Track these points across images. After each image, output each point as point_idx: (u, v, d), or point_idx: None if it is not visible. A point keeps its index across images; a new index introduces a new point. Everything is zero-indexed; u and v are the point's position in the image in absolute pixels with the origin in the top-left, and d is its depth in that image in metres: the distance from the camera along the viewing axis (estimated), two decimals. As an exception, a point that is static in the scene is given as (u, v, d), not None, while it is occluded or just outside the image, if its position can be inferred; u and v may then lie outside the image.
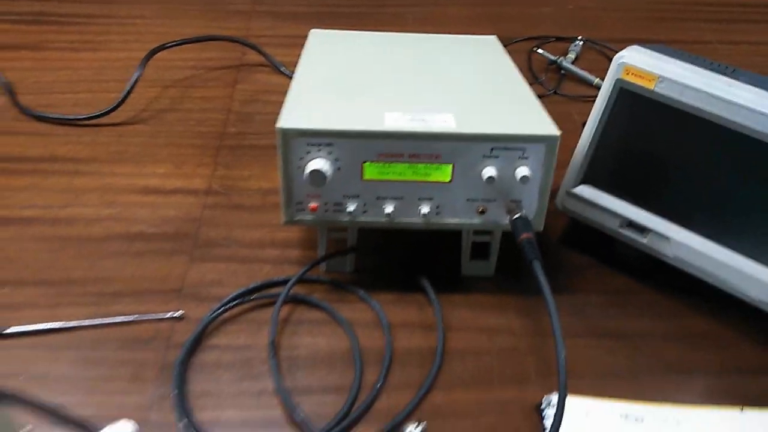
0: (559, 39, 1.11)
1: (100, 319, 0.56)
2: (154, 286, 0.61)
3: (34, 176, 0.72)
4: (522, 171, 0.54)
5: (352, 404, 0.51)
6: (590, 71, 0.98)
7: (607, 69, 0.67)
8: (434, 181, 0.55)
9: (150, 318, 0.57)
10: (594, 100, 0.71)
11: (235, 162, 0.76)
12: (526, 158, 0.54)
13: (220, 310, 0.58)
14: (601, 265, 0.65)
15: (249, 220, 0.69)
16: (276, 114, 0.84)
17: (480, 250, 0.63)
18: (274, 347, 0.55)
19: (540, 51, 1.03)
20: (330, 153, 0.53)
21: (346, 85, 0.60)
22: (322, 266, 0.63)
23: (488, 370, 0.55)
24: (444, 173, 0.55)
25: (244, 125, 0.83)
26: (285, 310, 0.59)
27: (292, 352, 0.55)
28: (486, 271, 0.63)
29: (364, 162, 0.53)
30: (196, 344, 0.55)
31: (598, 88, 0.95)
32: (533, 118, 0.55)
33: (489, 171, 0.54)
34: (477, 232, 0.61)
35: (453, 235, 0.66)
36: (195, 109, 0.85)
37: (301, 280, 0.61)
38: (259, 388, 0.52)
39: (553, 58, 1.01)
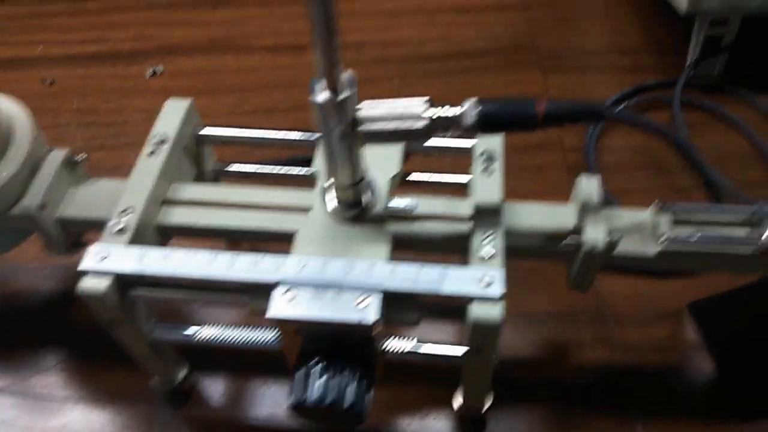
0: None
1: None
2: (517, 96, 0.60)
3: (339, 2, 0.70)
4: None
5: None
6: None
7: None
8: None
9: (535, 125, 0.56)
10: None
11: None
12: None
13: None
14: None
15: (581, 30, 0.65)
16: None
17: None
18: (689, 145, 0.52)
19: None
20: None
21: None
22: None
23: None
24: None
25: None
26: (665, 112, 0.56)
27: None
28: None
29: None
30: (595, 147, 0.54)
31: None
32: None
33: None
34: None
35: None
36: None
37: (670, 84, 0.57)
38: (674, 184, 0.51)
39: None
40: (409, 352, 0.34)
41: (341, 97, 0.27)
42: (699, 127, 0.56)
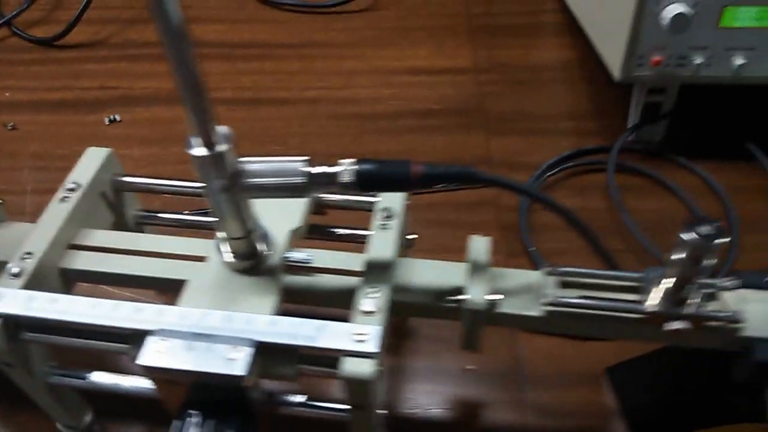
0: None
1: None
2: (462, 156, 0.61)
3: (301, 60, 0.72)
4: None
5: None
6: None
7: None
8: (797, 27, 0.51)
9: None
10: None
11: (491, 41, 0.74)
12: None
13: (542, 176, 0.57)
14: None
15: (530, 95, 0.67)
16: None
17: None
18: (622, 207, 0.53)
19: None
20: (692, -4, 0.50)
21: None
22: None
23: None
24: (811, 16, 0.50)
25: (487, 6, 0.79)
26: (603, 175, 0.57)
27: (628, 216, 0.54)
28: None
29: (726, 6, 0.50)
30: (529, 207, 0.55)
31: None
32: None
33: None
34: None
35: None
36: (431, -7, 0.83)
37: (609, 149, 0.58)
38: (606, 246, 0.51)
39: None
40: (297, 407, 0.34)
41: (216, 151, 0.28)
42: (638, 191, 0.57)
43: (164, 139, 0.64)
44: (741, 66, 0.53)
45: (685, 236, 0.28)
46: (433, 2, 0.80)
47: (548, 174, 0.58)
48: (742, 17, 0.51)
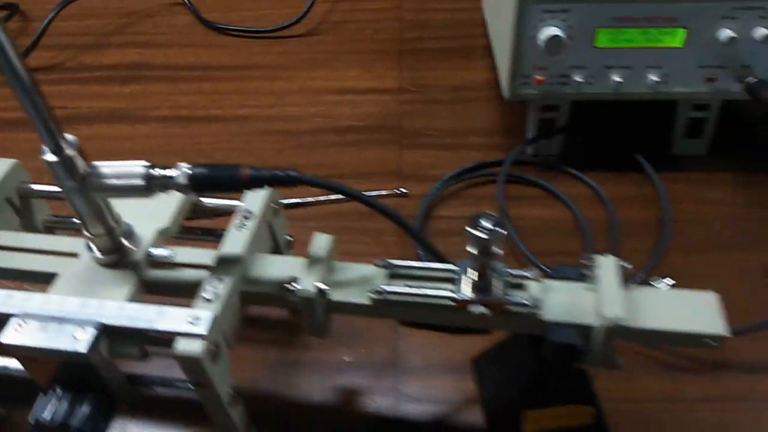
0: None
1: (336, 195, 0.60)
2: (374, 169, 0.65)
3: (237, 81, 0.77)
4: (762, 32, 0.53)
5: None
6: None
7: None
8: (665, 47, 0.55)
9: (379, 194, 0.61)
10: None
11: (419, 64, 0.79)
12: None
13: (442, 187, 0.62)
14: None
15: (446, 113, 0.71)
16: (450, 19, 0.85)
17: (692, 128, 0.63)
18: (505, 214, 0.58)
19: None
20: (564, 20, 0.54)
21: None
22: (528, 149, 0.64)
23: (718, 236, 0.56)
24: (677, 38, 0.54)
25: (421, 31, 0.85)
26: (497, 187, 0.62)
27: (517, 222, 0.58)
28: (697, 150, 0.63)
29: (598, 28, 0.54)
30: (426, 215, 0.60)
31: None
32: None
33: (726, 32, 0.53)
34: (693, 108, 0.61)
35: (659, 116, 0.64)
36: (370, 19, 0.87)
37: (511, 162, 0.63)
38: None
39: None
40: (157, 386, 0.38)
41: (64, 156, 0.32)
42: (530, 200, 0.61)
43: (99, 154, 0.68)
44: (619, 83, 0.57)
45: (471, 231, 0.32)
46: (369, 28, 0.86)
47: (450, 184, 0.62)
48: (615, 38, 0.55)
